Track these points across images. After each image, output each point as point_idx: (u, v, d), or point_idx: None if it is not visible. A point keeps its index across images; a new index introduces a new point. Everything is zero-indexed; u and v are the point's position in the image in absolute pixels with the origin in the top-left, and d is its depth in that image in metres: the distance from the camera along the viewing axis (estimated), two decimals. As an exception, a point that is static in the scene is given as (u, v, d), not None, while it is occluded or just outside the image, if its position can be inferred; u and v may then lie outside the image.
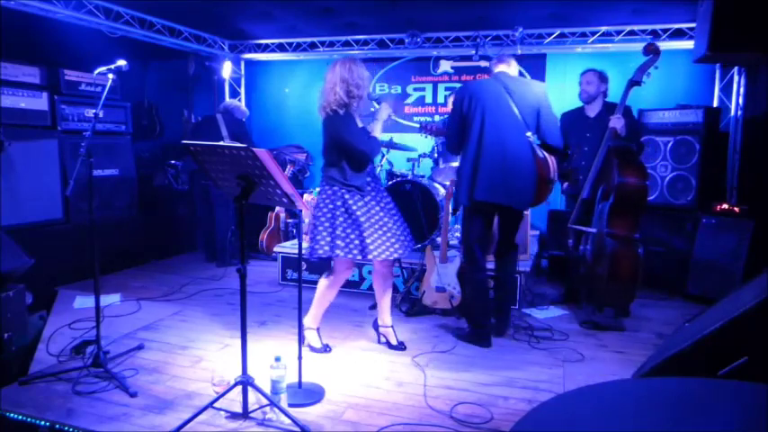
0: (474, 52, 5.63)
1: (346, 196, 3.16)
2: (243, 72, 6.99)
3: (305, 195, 5.17)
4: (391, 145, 5.34)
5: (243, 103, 6.43)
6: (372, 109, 3.34)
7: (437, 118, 6.27)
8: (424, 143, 5.12)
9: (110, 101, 5.05)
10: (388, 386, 2.97)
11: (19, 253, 3.09)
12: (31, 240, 3.65)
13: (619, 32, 5.41)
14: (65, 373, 2.97)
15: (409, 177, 4.87)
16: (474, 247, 3.49)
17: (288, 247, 5.08)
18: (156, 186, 6.10)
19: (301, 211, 2.97)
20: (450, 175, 4.63)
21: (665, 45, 5.19)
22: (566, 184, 4.27)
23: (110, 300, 4.32)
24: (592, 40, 5.50)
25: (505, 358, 3.35)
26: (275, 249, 5.22)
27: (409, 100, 6.52)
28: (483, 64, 5.85)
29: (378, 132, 3.26)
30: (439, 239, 4.30)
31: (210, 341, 3.59)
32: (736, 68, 5.10)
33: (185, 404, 2.73)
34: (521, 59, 5.90)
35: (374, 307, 4.20)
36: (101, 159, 4.96)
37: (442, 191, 4.75)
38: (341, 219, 3.15)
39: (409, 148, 5.40)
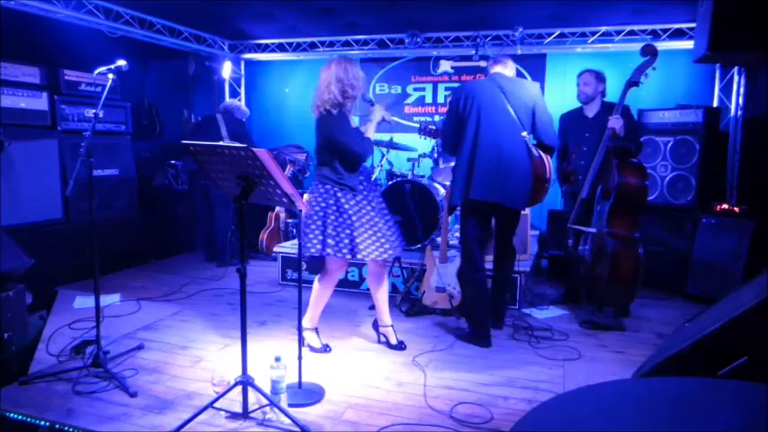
0: (474, 52, 5.64)
1: (339, 194, 3.17)
2: (243, 72, 6.99)
3: (305, 195, 5.16)
4: (391, 145, 5.34)
5: (243, 103, 6.43)
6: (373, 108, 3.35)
7: (437, 118, 6.27)
8: (425, 143, 5.13)
9: (110, 101, 5.05)
10: (388, 386, 2.97)
11: (19, 253, 3.09)
12: (31, 240, 3.65)
13: (619, 32, 5.41)
14: (65, 373, 2.96)
15: (409, 177, 4.87)
16: (471, 247, 3.50)
17: (288, 247, 5.09)
18: (156, 186, 6.10)
19: (301, 211, 2.97)
20: (450, 176, 4.63)
21: (665, 45, 5.20)
22: (564, 187, 4.28)
23: (110, 300, 4.32)
24: (592, 40, 5.50)
25: (505, 358, 3.35)
26: (275, 249, 5.22)
27: (409, 100, 6.52)
28: (483, 64, 5.85)
29: (371, 133, 3.27)
30: (439, 239, 4.30)
31: (210, 341, 3.59)
32: (736, 68, 5.10)
33: (185, 404, 2.73)
34: (521, 59, 5.96)
35: (374, 307, 4.20)
36: (101, 159, 4.96)
37: (441, 191, 4.75)
38: (332, 217, 3.15)
39: (409, 148, 5.40)
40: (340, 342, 3.58)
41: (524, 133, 3.36)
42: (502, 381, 3.04)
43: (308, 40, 6.37)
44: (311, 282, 3.52)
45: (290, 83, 6.92)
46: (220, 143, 3.40)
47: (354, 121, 3.35)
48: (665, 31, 5.28)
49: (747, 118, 5.03)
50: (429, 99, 6.46)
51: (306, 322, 3.41)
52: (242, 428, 2.51)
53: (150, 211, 5.80)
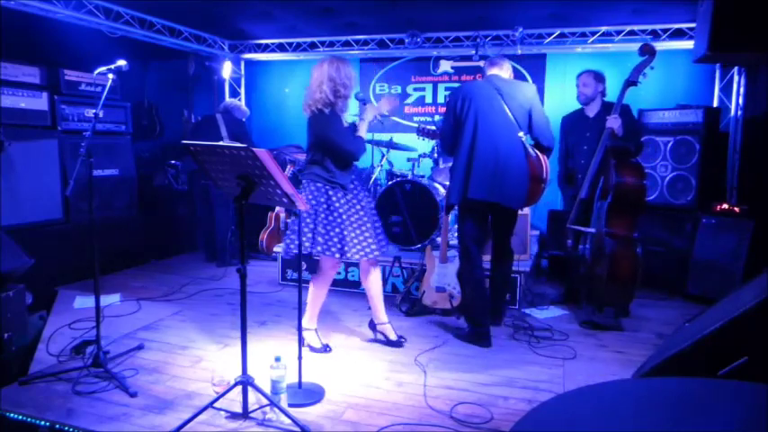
0: (474, 52, 5.64)
1: (330, 193, 3.19)
2: (243, 72, 6.99)
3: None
4: (391, 145, 5.35)
5: (243, 103, 6.43)
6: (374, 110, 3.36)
7: (437, 118, 6.27)
8: (424, 143, 5.13)
9: (110, 101, 5.05)
10: (388, 386, 2.97)
11: (19, 253, 3.09)
12: (31, 240, 3.64)
13: (619, 32, 5.41)
14: (65, 373, 2.97)
15: (409, 177, 4.88)
16: (469, 246, 3.51)
17: (288, 247, 5.08)
18: (156, 186, 6.10)
19: (301, 210, 2.98)
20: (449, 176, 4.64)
21: (665, 45, 5.20)
22: (569, 191, 4.27)
23: (110, 300, 4.32)
24: (592, 40, 5.50)
25: (505, 358, 3.35)
26: (275, 249, 5.22)
27: (409, 100, 6.52)
28: (483, 64, 5.82)
29: (363, 132, 3.29)
30: (439, 239, 4.30)
31: (210, 341, 3.59)
32: (736, 68, 5.10)
33: (185, 404, 2.73)
34: (521, 59, 5.97)
35: (374, 307, 4.20)
36: (101, 159, 4.96)
37: (442, 191, 4.75)
38: (322, 216, 3.17)
39: (409, 148, 5.41)
40: (340, 342, 3.58)
41: (521, 134, 3.40)
42: (502, 381, 3.04)
43: (308, 40, 6.37)
44: (311, 282, 3.52)
45: (290, 83, 6.92)
46: (220, 143, 3.40)
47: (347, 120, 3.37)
48: (665, 31, 5.28)
49: (747, 118, 5.04)
50: (429, 99, 6.47)
51: (305, 322, 3.42)
52: (242, 428, 2.51)
53: (150, 211, 5.80)
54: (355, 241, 3.18)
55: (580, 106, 4.21)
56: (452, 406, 2.72)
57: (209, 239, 5.78)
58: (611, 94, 4.15)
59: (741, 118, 5.06)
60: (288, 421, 2.50)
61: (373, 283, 3.43)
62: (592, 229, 3.77)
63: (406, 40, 5.98)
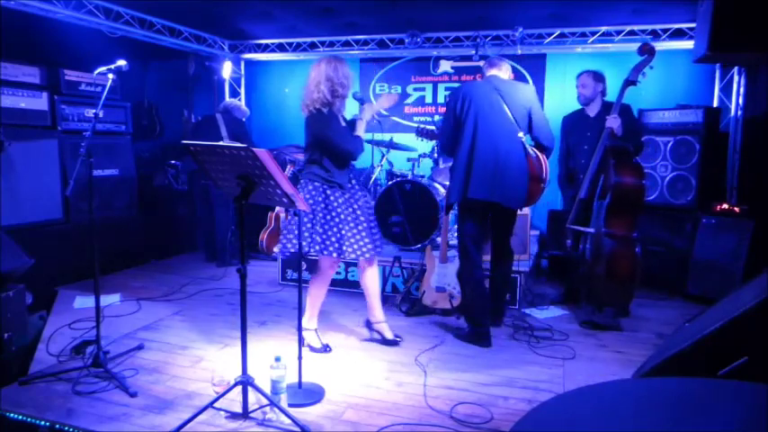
0: (474, 52, 5.64)
1: (328, 192, 3.20)
2: (243, 72, 6.99)
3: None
4: (391, 145, 5.35)
5: (243, 103, 6.43)
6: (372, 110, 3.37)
7: (437, 118, 6.27)
8: (425, 143, 5.13)
9: (110, 101, 5.05)
10: (388, 386, 2.97)
11: (19, 253, 3.09)
12: (31, 240, 3.64)
13: (619, 32, 5.41)
14: (65, 373, 2.97)
15: (409, 177, 4.88)
16: (469, 246, 3.52)
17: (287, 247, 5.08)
18: (156, 186, 6.10)
19: (302, 211, 2.98)
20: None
21: (665, 45, 5.20)
22: (570, 192, 4.27)
23: (110, 300, 4.32)
24: (592, 40, 5.50)
25: (505, 358, 3.35)
26: (275, 249, 5.22)
27: (409, 100, 6.52)
28: (483, 64, 5.85)
29: (361, 131, 3.30)
30: (439, 239, 4.31)
31: (210, 341, 3.58)
32: (736, 68, 5.10)
33: (185, 404, 2.73)
34: (521, 59, 5.97)
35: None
36: (101, 159, 4.96)
37: (442, 191, 4.75)
38: (320, 215, 3.18)
39: (409, 148, 5.41)
40: (340, 342, 3.58)
41: (521, 134, 3.40)
42: (502, 381, 3.04)
43: (308, 40, 6.37)
44: (311, 282, 3.52)
45: (290, 83, 6.92)
46: (220, 143, 3.40)
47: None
48: (665, 31, 5.28)
49: (747, 118, 5.03)
50: (429, 99, 6.47)
51: (305, 322, 3.42)
52: (242, 428, 2.51)
53: (150, 211, 5.80)
54: (352, 240, 3.19)
55: (580, 106, 4.21)
56: (452, 406, 2.72)
57: (209, 239, 5.78)
58: (612, 94, 4.16)
59: (741, 118, 5.06)
60: (288, 421, 2.50)
61: (370, 281, 3.45)
62: (591, 229, 3.77)
63: (406, 40, 5.98)
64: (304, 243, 3.15)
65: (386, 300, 4.42)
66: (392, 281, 4.59)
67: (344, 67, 3.20)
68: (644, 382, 1.60)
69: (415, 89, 6.50)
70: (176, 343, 3.54)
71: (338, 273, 4.72)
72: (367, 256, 3.26)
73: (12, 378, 2.86)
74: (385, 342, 3.50)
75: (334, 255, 3.18)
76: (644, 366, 1.97)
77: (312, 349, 3.39)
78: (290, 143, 6.50)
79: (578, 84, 4.12)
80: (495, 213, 3.58)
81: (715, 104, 5.26)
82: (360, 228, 3.24)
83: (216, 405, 2.55)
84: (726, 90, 5.25)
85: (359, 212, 3.26)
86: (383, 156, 5.43)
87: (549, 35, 5.63)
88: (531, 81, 5.99)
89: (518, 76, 5.94)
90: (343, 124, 3.28)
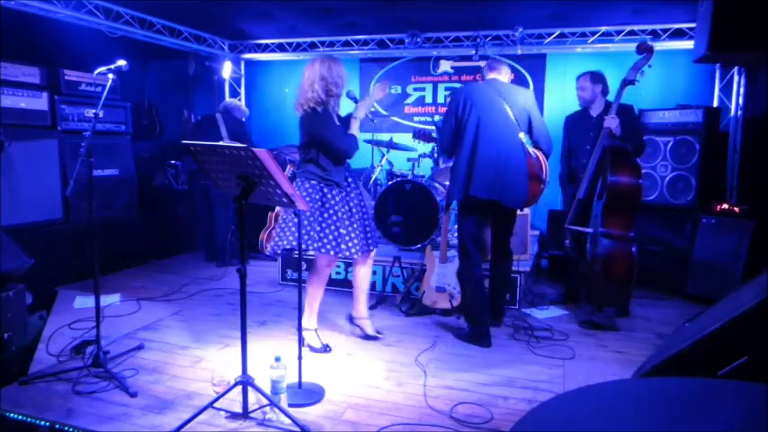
0: (474, 52, 5.64)
1: (325, 190, 3.22)
2: (243, 72, 6.99)
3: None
4: (391, 145, 5.35)
5: (243, 103, 6.43)
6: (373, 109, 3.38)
7: (437, 118, 6.27)
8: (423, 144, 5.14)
9: (110, 101, 5.04)
10: (388, 386, 2.97)
11: (19, 253, 3.09)
12: (31, 240, 3.65)
13: (619, 32, 5.41)
14: (65, 373, 2.96)
15: (409, 177, 4.88)
16: (469, 245, 3.52)
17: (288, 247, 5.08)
18: (156, 186, 6.10)
19: (302, 210, 2.99)
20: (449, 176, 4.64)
21: (665, 45, 5.20)
22: (570, 190, 4.27)
23: (110, 300, 4.32)
24: (592, 40, 5.50)
25: (505, 358, 3.35)
26: (268, 247, 5.21)
27: (409, 100, 6.52)
28: (483, 64, 5.84)
29: (356, 130, 3.31)
30: (439, 239, 4.31)
31: (210, 341, 3.58)
32: (736, 68, 5.10)
33: (185, 404, 2.73)
34: (521, 59, 5.98)
35: (374, 306, 4.21)
36: (101, 159, 4.95)
37: (442, 191, 4.75)
38: (317, 214, 3.19)
39: (409, 148, 5.41)
40: (340, 342, 3.58)
41: (521, 134, 3.42)
42: (502, 381, 3.04)
43: (308, 40, 6.38)
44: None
45: (290, 83, 6.91)
46: (220, 143, 3.41)
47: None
48: (665, 31, 5.28)
49: (747, 118, 5.03)
50: (429, 99, 6.47)
51: (305, 322, 3.42)
52: (242, 428, 2.51)
53: (150, 211, 5.80)
54: (347, 238, 3.22)
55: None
56: (452, 406, 2.72)
57: (209, 239, 5.78)
58: (612, 95, 4.15)
59: (741, 118, 5.06)
60: (288, 421, 2.50)
61: (361, 278, 3.50)
62: (590, 229, 3.77)
63: (406, 40, 5.98)
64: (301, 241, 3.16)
65: (386, 300, 4.44)
66: (392, 281, 4.59)
67: (338, 67, 3.22)
68: (644, 382, 1.61)
69: (415, 89, 6.50)
70: (176, 343, 3.54)
71: (338, 273, 4.73)
72: (358, 255, 3.28)
73: (12, 378, 2.86)
74: (366, 337, 3.57)
75: (332, 253, 3.19)
76: (644, 366, 1.97)
77: (312, 349, 3.39)
78: (289, 143, 6.51)
79: (577, 86, 4.12)
80: (495, 213, 3.60)
81: (715, 104, 5.26)
82: (355, 225, 3.26)
83: (216, 405, 2.55)
84: (726, 90, 5.25)
85: (354, 210, 3.28)
86: (383, 156, 5.43)
87: (549, 35, 5.63)
88: (531, 81, 5.99)
89: (518, 76, 5.94)
90: (338, 123, 3.29)
